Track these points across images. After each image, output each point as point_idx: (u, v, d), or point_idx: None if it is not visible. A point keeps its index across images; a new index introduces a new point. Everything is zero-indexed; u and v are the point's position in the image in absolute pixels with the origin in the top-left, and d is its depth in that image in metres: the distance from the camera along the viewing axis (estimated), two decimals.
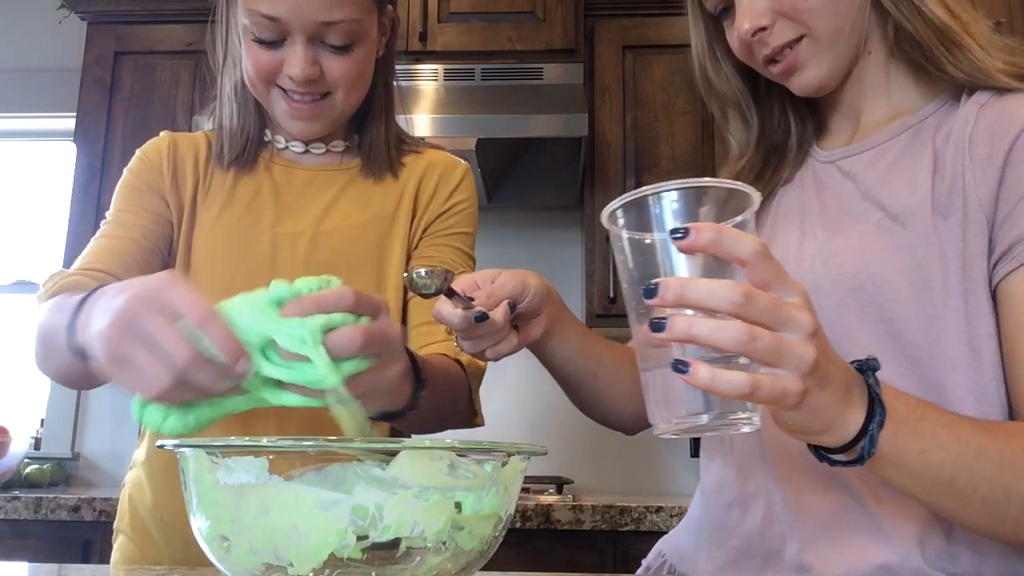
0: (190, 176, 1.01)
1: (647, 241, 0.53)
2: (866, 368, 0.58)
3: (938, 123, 0.78)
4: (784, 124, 0.90)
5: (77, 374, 0.76)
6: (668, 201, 0.52)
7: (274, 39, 0.90)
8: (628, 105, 2.32)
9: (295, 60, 0.90)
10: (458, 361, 0.93)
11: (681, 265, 0.52)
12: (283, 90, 0.93)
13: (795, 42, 0.78)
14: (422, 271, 0.66)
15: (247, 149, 1.01)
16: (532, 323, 0.79)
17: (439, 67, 2.25)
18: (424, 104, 2.17)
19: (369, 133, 1.03)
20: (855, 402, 0.56)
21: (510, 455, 0.52)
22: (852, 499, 0.72)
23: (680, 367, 0.49)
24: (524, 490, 1.92)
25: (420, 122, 2.09)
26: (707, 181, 0.52)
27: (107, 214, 0.99)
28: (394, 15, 1.02)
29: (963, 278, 0.70)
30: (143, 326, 0.57)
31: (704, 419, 0.52)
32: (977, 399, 0.69)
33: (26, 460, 2.31)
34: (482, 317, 0.71)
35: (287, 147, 1.03)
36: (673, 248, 0.50)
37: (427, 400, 0.79)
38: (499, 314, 0.72)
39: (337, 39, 0.90)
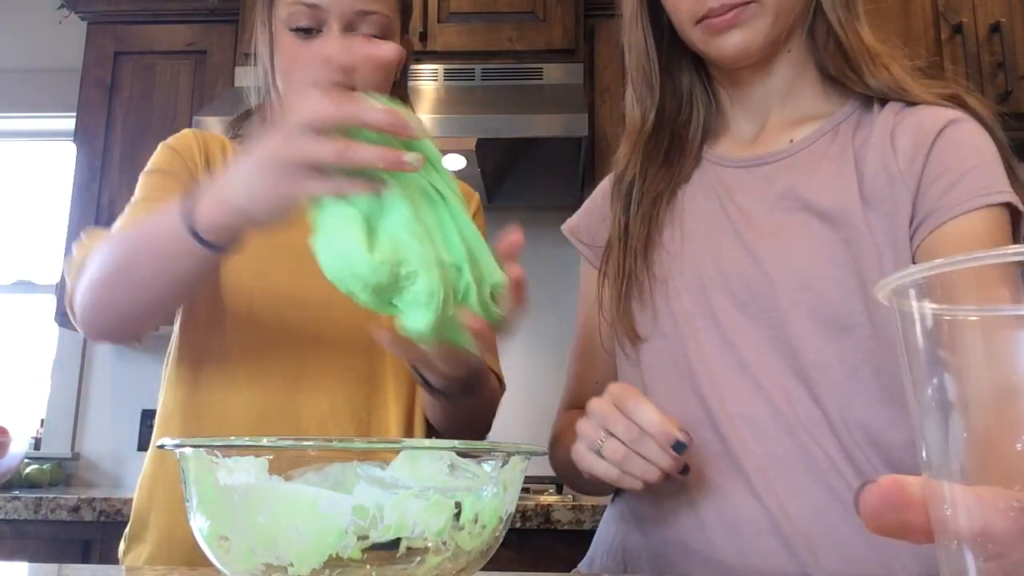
0: (220, 167, 1.00)
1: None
2: None
3: (855, 127, 0.81)
4: (688, 111, 0.90)
5: (188, 275, 0.76)
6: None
7: (310, 27, 0.93)
8: None
9: (331, 41, 0.93)
10: (499, 378, 1.01)
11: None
12: None
13: (744, 4, 0.79)
14: None
15: None
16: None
17: (439, 67, 2.25)
18: (424, 104, 2.17)
19: None
20: None
21: (510, 455, 0.52)
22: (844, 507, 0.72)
23: None
24: (524, 490, 1.92)
25: None
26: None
27: (133, 200, 0.95)
28: (411, 45, 1.07)
29: (895, 260, 0.73)
30: (297, 154, 0.61)
31: None
32: None
33: (26, 460, 2.31)
34: None
35: None
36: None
37: (471, 400, 0.89)
38: None
39: (370, 29, 0.95)
